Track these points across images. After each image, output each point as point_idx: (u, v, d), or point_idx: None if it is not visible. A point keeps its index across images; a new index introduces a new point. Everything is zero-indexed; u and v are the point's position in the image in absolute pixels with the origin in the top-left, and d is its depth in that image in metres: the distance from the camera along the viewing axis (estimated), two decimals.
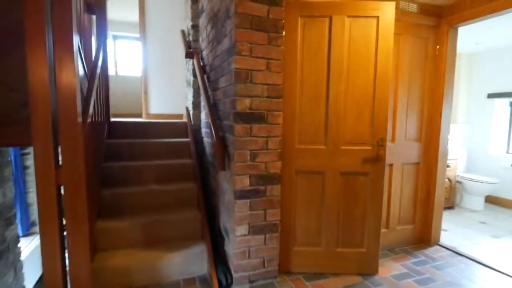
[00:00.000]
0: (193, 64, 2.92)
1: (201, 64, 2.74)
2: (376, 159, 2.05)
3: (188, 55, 2.82)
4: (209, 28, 2.52)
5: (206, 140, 2.72)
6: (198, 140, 2.98)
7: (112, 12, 5.58)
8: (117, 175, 2.46)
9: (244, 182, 1.92)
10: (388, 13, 1.94)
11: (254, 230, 1.98)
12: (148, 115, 4.20)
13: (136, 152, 2.69)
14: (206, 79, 2.59)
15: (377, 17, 1.95)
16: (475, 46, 3.80)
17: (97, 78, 2.17)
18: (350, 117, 2.03)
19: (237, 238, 1.94)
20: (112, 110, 5.69)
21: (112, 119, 2.93)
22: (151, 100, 4.21)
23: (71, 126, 1.38)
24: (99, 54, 2.37)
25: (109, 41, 6.05)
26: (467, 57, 4.20)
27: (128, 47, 6.35)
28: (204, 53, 2.73)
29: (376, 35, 1.96)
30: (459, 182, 3.84)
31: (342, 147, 2.05)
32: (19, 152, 4.17)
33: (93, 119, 2.14)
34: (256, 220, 1.98)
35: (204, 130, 2.83)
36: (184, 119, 3.36)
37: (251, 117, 1.88)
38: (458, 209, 3.81)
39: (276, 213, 2.01)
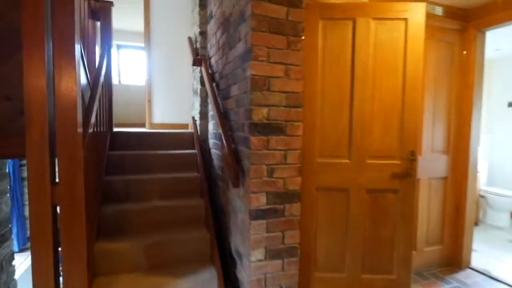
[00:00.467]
0: (200, 71, 2.76)
1: (210, 71, 2.57)
2: (406, 174, 1.85)
3: (196, 62, 2.66)
4: (219, 34, 2.37)
5: (215, 152, 2.54)
6: (205, 151, 2.80)
7: (116, 21, 5.49)
8: (119, 190, 2.26)
9: (260, 201, 1.72)
10: (418, 14, 1.77)
11: (271, 254, 1.76)
12: (152, 125, 4.03)
13: (140, 164, 2.50)
14: (215, 87, 2.42)
15: (406, 19, 1.78)
16: (495, 52, 3.63)
17: (100, 86, 2.00)
18: (377, 128, 1.84)
19: (252, 264, 1.72)
20: (114, 120, 5.56)
21: (115, 129, 2.75)
22: (154, 109, 4.05)
23: (70, 138, 1.21)
24: (102, 62, 2.21)
25: (113, 51, 5.95)
26: (486, 63, 4.02)
27: (132, 57, 6.25)
28: (213, 60, 2.57)
29: (405, 38, 1.79)
30: (482, 197, 3.61)
31: (368, 161, 1.85)
32: (18, 163, 4.00)
33: (95, 129, 1.97)
34: (273, 243, 1.76)
35: (212, 141, 2.65)
36: (190, 129, 3.18)
37: (268, 128, 1.70)
38: (482, 225, 3.56)
39: (295, 235, 1.80)
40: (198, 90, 2.85)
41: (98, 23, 2.66)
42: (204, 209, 2.31)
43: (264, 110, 1.68)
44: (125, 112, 5.76)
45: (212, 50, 2.60)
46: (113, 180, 2.26)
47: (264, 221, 1.73)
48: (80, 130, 1.20)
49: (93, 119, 1.78)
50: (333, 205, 1.89)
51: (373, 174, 1.86)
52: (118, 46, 6.09)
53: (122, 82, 6.10)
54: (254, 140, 1.67)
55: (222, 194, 2.30)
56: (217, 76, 2.44)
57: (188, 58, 4.11)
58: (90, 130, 1.72)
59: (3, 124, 1.71)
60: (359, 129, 1.83)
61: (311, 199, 1.88)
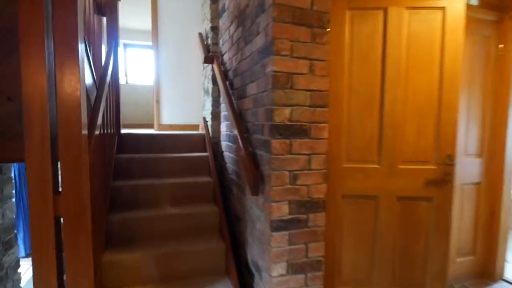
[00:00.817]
0: (212, 69, 2.61)
1: (222, 69, 2.42)
2: (442, 181, 1.67)
3: (207, 59, 2.51)
4: (232, 28, 2.21)
5: (228, 155, 2.39)
6: (217, 154, 2.65)
7: (123, 20, 5.38)
8: (128, 196, 2.13)
9: (282, 210, 1.56)
10: (457, 3, 1.59)
11: (293, 268, 1.61)
12: (160, 126, 3.90)
13: (149, 168, 2.36)
14: (229, 86, 2.27)
15: (443, 8, 1.60)
16: None
17: (107, 86, 1.87)
18: (410, 129, 1.66)
19: (273, 279, 1.57)
20: (122, 121, 5.45)
21: (123, 131, 2.62)
22: (163, 110, 3.92)
23: (73, 142, 1.07)
24: (109, 60, 2.08)
25: (120, 50, 5.85)
26: None
27: (139, 56, 6.14)
28: (226, 57, 2.42)
29: (442, 30, 1.61)
30: None
31: (400, 166, 1.68)
32: (24, 167, 3.91)
33: (102, 131, 1.84)
34: (296, 256, 1.61)
35: (224, 143, 2.50)
36: (201, 131, 3.04)
37: (291, 131, 1.54)
38: None
39: (319, 247, 1.64)
40: (210, 90, 2.70)
41: (104, 20, 2.53)
42: (218, 216, 2.16)
43: (287, 111, 1.52)
44: (132, 113, 5.65)
45: (225, 46, 2.45)
46: (121, 185, 2.12)
47: (287, 233, 1.57)
48: (85, 132, 1.06)
49: (99, 121, 1.64)
50: (360, 213, 1.72)
51: (405, 181, 1.68)
52: (125, 45, 5.98)
53: (130, 82, 6.00)
54: (276, 143, 1.51)
55: (237, 201, 2.15)
56: (230, 73, 2.29)
57: (198, 56, 3.97)
58: (97, 132, 1.59)
59: (6, 126, 1.59)
60: (390, 131, 1.66)
61: (336, 208, 1.71)
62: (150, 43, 4.02)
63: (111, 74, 2.22)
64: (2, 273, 2.45)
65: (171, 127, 3.94)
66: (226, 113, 2.43)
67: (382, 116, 1.67)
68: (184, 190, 2.27)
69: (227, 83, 2.29)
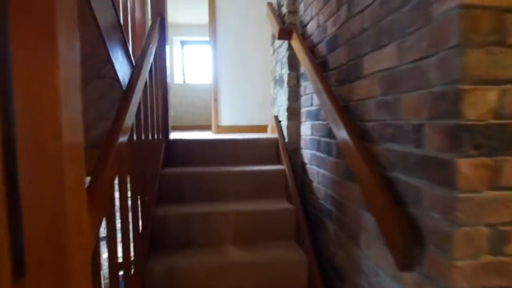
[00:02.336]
0: (289, 48, 1.86)
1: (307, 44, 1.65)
2: None
3: (283, 33, 1.77)
4: None
5: (317, 170, 1.61)
6: (295, 166, 1.89)
7: (179, 15, 5.00)
8: (177, 230, 1.50)
9: None
10: None
11: None
12: (219, 128, 3.31)
13: (204, 188, 1.71)
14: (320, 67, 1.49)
15: None
16: None
17: (142, 81, 1.26)
18: None
19: None
20: (178, 123, 5.07)
21: (173, 137, 2.03)
22: (222, 109, 3.33)
23: (49, 162, 0.37)
24: (150, 41, 1.47)
25: (177, 48, 5.51)
26: None
27: (197, 54, 5.73)
28: (313, 26, 1.65)
29: None
30: None
31: None
32: None
33: (140, 137, 1.23)
34: None
35: (308, 152, 1.73)
36: (270, 134, 2.32)
37: (502, 139, 0.70)
38: None
39: None
40: (284, 77, 1.95)
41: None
42: (307, 268, 1.40)
43: (493, 94, 0.68)
44: (189, 114, 5.25)
45: (310, 11, 1.67)
46: (167, 214, 1.50)
47: None
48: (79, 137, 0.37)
49: (128, 123, 1.01)
50: None
51: None
52: (183, 43, 5.63)
53: (187, 81, 5.63)
54: (467, 166, 0.69)
55: (337, 245, 1.35)
56: (323, 48, 1.51)
57: (262, 43, 3.30)
58: (123, 139, 0.95)
59: None
60: None
61: None
62: (208, 38, 3.46)
63: (156, 70, 1.63)
64: None
65: (231, 129, 3.32)
66: (311, 108, 1.66)
67: None
68: (253, 222, 1.56)
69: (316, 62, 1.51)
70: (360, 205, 1.12)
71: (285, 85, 1.93)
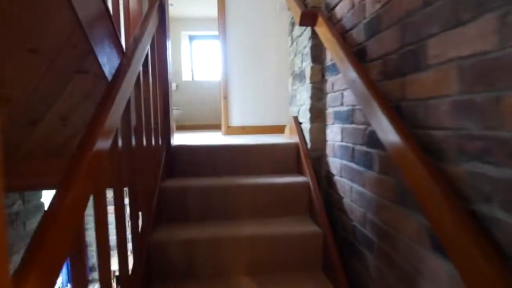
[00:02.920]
0: (312, 37, 1.56)
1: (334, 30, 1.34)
2: None
3: (305, 18, 1.47)
4: None
5: (349, 185, 1.31)
6: (319, 177, 1.59)
7: (186, 8, 4.74)
8: (178, 259, 1.23)
9: None
10: None
11: None
12: (229, 129, 3.04)
13: (212, 204, 1.44)
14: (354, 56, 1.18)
15: None
16: None
17: (134, 71, 0.99)
18: None
19: None
20: (186, 122, 4.82)
21: (177, 142, 1.76)
22: (233, 108, 3.05)
23: None
24: (141, 35, 1.20)
25: (185, 43, 5.25)
26: None
27: (206, 49, 5.47)
28: (343, 7, 1.34)
29: None
30: None
31: None
32: None
33: (128, 142, 0.97)
34: None
35: (337, 161, 1.43)
36: (288, 137, 2.03)
37: None
38: None
39: None
40: (306, 71, 1.65)
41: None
42: None
43: None
44: (199, 112, 5.00)
45: None
46: (166, 240, 1.23)
47: None
48: None
49: (113, 123, 0.74)
50: None
51: None
52: (191, 38, 5.37)
53: (196, 78, 5.37)
54: None
55: (379, 280, 1.06)
56: (356, 34, 1.20)
57: (277, 37, 3.00)
58: (103, 145, 0.69)
59: None
60: None
61: None
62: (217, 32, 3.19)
63: (154, 62, 1.37)
64: None
65: (243, 130, 3.04)
66: (341, 108, 1.36)
67: None
68: (271, 250, 1.27)
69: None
70: (422, 242, 0.82)
71: (307, 80, 1.63)
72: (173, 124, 1.67)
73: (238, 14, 3.02)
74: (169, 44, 1.63)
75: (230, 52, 3.02)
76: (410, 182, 0.79)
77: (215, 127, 4.55)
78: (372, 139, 1.09)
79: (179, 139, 2.04)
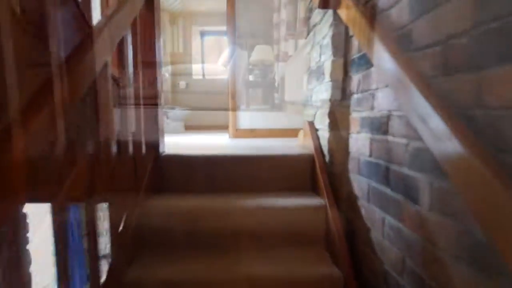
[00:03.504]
0: (333, 24, 1.25)
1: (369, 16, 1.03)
2: None
3: (326, 1, 1.16)
4: None
5: (377, 213, 1.00)
6: (339, 199, 1.28)
7: (198, 2, 4.50)
8: None
9: None
10: None
11: None
12: (237, 132, 2.76)
13: (203, 232, 1.16)
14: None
15: None
16: None
17: (100, 53, 0.73)
18: None
19: None
20: (196, 122, 4.57)
21: (169, 152, 1.48)
22: (241, 109, 2.77)
23: None
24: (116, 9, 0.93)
25: (196, 38, 5.02)
26: None
27: (219, 44, 5.22)
28: None
29: None
30: None
31: None
32: None
33: (83, 148, 0.71)
34: None
35: (365, 181, 1.11)
36: (301, 146, 1.72)
37: None
38: None
39: None
40: (325, 67, 1.34)
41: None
42: None
43: None
44: (208, 113, 4.76)
45: None
46: (143, 280, 0.96)
47: None
48: None
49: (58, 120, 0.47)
50: None
51: None
52: (202, 33, 5.13)
53: (207, 76, 5.13)
54: None
55: None
56: (397, 13, 0.88)
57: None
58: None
59: None
60: None
61: None
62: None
63: (135, 43, 1.10)
64: None
65: (252, 132, 2.76)
66: (371, 113, 1.04)
67: None
68: None
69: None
70: None
71: (326, 77, 1.32)
72: (163, 128, 1.40)
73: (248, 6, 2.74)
74: (159, 27, 1.35)
75: (238, 48, 2.74)
76: (491, 235, 0.48)
77: (223, 127, 4.30)
78: (419, 160, 0.78)
79: (179, 142, 1.78)
